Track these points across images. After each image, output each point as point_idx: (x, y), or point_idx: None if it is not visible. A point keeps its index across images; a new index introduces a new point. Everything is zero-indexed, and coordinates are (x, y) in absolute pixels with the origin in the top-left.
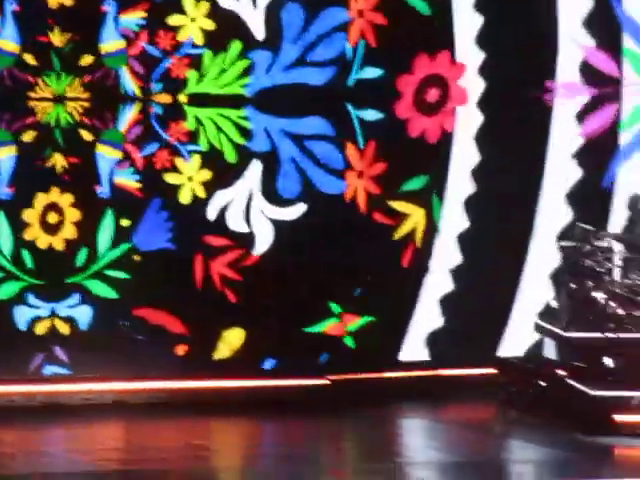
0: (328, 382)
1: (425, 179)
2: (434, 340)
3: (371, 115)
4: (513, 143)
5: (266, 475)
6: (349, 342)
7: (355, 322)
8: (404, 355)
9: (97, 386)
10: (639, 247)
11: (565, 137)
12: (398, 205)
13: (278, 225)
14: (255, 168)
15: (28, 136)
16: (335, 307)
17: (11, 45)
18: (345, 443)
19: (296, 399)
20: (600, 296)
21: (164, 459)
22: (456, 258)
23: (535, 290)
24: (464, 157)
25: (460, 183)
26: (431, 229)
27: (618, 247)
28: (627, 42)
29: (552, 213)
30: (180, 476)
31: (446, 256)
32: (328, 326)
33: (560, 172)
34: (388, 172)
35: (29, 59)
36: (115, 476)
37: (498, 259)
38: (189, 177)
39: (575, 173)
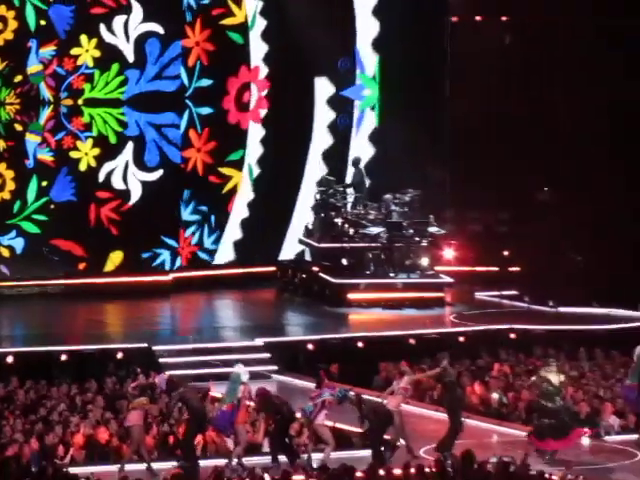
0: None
1: (242, 152)
2: (240, 248)
3: (205, 110)
4: (290, 124)
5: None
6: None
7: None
8: (219, 258)
9: (27, 283)
10: (362, 190)
11: (323, 116)
12: (224, 170)
13: (145, 184)
14: (129, 147)
15: None
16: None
17: None
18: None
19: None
20: (338, 221)
21: (72, 327)
22: (256, 198)
23: (301, 216)
24: (260, 137)
25: (258, 153)
26: (246, 185)
27: (349, 191)
28: None
29: (313, 167)
30: (85, 337)
31: (251, 198)
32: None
33: (319, 140)
34: (217, 148)
35: None
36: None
37: (282, 196)
38: (85, 153)
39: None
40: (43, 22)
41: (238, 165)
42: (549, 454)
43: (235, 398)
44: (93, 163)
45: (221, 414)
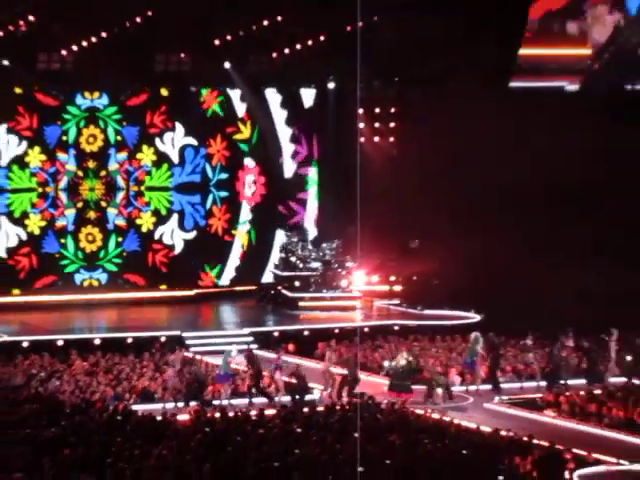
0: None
1: (245, 221)
2: (236, 271)
3: (223, 194)
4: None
5: None
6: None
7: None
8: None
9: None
10: (307, 241)
11: None
12: (235, 232)
13: (185, 241)
14: (174, 217)
15: (79, 204)
16: None
17: (72, 167)
18: None
19: None
20: (293, 259)
21: (135, 321)
22: (249, 246)
23: (273, 257)
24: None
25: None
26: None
27: (300, 243)
28: None
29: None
30: (142, 327)
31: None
32: None
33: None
34: (230, 218)
35: (80, 173)
36: None
37: (264, 246)
38: (146, 220)
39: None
40: (119, 137)
41: (243, 228)
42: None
43: (228, 367)
44: (151, 227)
45: (221, 376)
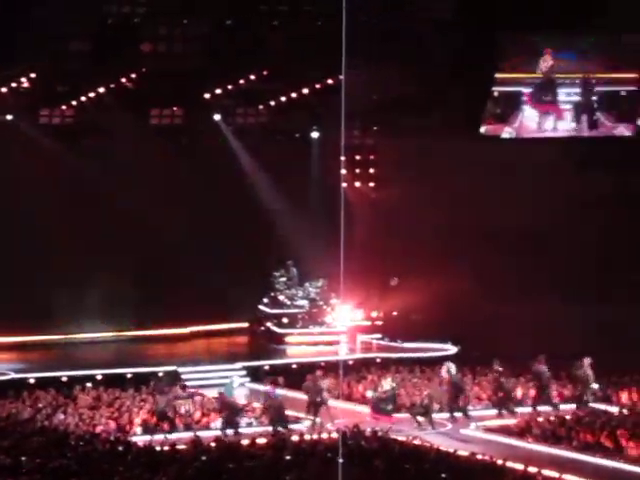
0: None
1: None
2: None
3: None
4: None
5: None
6: None
7: None
8: None
9: None
10: (293, 280)
11: None
12: None
13: None
14: None
15: None
16: None
17: None
18: None
19: None
20: (281, 297)
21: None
22: None
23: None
24: None
25: None
26: None
27: (287, 281)
28: None
29: None
30: (136, 363)
31: None
32: None
33: None
34: None
35: None
36: None
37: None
38: None
39: None
40: None
41: None
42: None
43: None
44: None
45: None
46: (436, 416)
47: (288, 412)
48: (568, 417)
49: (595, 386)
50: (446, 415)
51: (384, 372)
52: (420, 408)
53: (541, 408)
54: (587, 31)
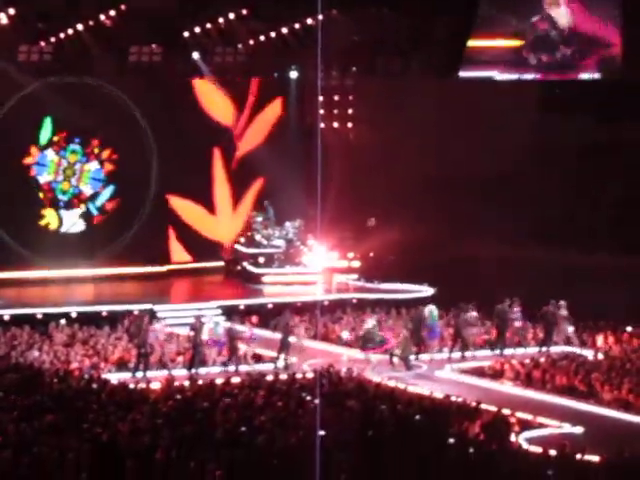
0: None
1: None
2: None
3: None
4: None
5: None
6: None
7: None
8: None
9: None
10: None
11: None
12: None
13: None
14: None
15: None
16: None
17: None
18: None
19: None
20: (258, 237)
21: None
22: None
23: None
24: None
25: None
26: None
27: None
28: None
29: None
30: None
31: None
32: None
33: None
34: None
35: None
36: None
37: None
38: None
39: None
40: None
41: None
42: (373, 365)
43: (216, 335)
44: None
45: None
46: (412, 358)
47: (263, 352)
48: (542, 360)
49: (570, 329)
50: (423, 357)
51: (360, 314)
52: (396, 350)
53: (515, 351)
54: None
